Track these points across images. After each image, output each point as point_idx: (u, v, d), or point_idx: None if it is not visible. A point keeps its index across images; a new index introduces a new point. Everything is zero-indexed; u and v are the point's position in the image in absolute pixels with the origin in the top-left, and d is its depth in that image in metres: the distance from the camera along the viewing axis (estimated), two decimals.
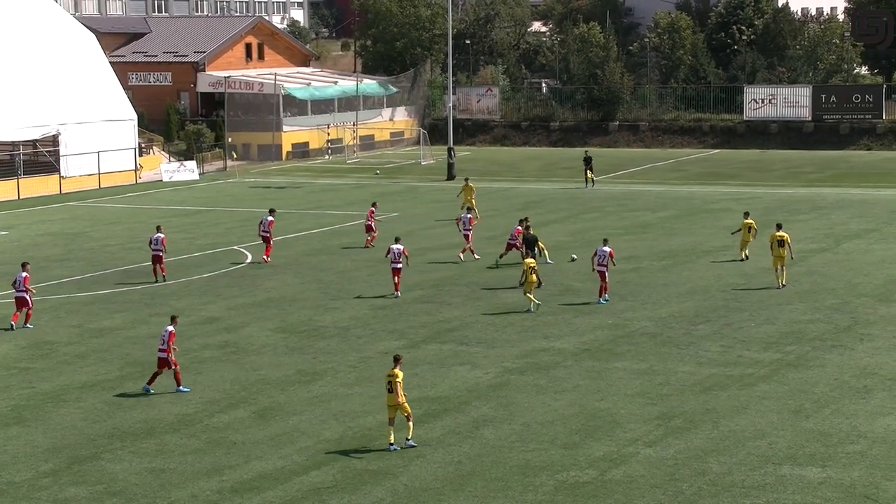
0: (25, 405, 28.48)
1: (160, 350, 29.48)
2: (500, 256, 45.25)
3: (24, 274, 36.61)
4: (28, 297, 36.20)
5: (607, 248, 38.61)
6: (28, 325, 36.19)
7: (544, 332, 34.81)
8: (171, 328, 29.58)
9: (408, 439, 25.35)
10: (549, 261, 45.03)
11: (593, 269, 38.74)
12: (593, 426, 26.41)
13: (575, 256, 45.04)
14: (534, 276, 37.53)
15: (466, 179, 59.10)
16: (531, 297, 37.48)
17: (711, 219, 55.55)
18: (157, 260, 43.23)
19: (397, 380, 25.13)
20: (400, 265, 40.23)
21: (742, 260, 44.61)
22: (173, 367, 29.47)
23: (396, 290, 40.08)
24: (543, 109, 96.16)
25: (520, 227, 44.56)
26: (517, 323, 36.06)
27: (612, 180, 71.53)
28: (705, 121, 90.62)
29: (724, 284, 40.70)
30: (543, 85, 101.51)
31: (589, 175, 67.75)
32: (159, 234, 43.47)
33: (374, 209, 50.60)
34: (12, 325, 36.07)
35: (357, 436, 26.05)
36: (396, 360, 25.77)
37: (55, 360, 32.55)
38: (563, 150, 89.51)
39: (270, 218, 46.97)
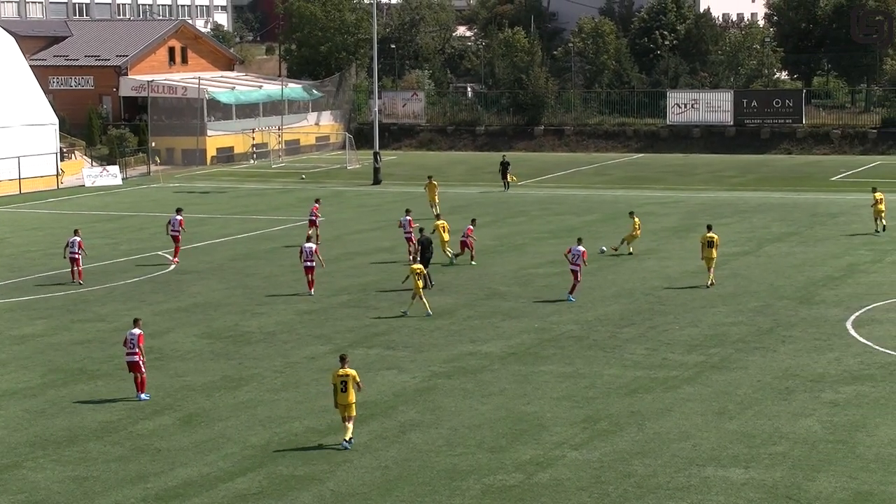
0: None
1: (129, 354, 28.91)
2: (456, 256, 45.53)
3: None
4: None
5: (581, 248, 39.28)
6: None
7: (471, 336, 34.90)
8: (137, 331, 29.18)
9: (348, 440, 25.39)
10: (472, 263, 45.30)
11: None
12: (520, 430, 26.52)
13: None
14: (420, 282, 37.43)
15: (430, 177, 59.60)
16: (425, 301, 37.27)
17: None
18: (74, 262, 43.14)
19: (357, 379, 25.44)
20: (313, 264, 40.55)
21: (630, 253, 46.67)
22: (140, 374, 29.01)
23: (310, 288, 40.49)
24: (469, 114, 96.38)
25: (471, 227, 45.71)
26: (444, 327, 36.12)
27: (538, 184, 71.88)
28: (629, 125, 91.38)
29: (649, 287, 41.07)
30: (469, 89, 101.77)
31: (509, 178, 68.63)
32: (76, 238, 43.46)
33: (318, 205, 51.03)
34: None
35: (283, 441, 25.95)
36: (343, 359, 25.83)
37: None
38: (489, 155, 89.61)
39: (180, 217, 47.30)
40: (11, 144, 71.60)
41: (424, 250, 41.72)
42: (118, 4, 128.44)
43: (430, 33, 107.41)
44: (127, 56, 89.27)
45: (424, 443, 25.77)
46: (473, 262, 45.82)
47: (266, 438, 26.14)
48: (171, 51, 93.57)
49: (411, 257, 43.44)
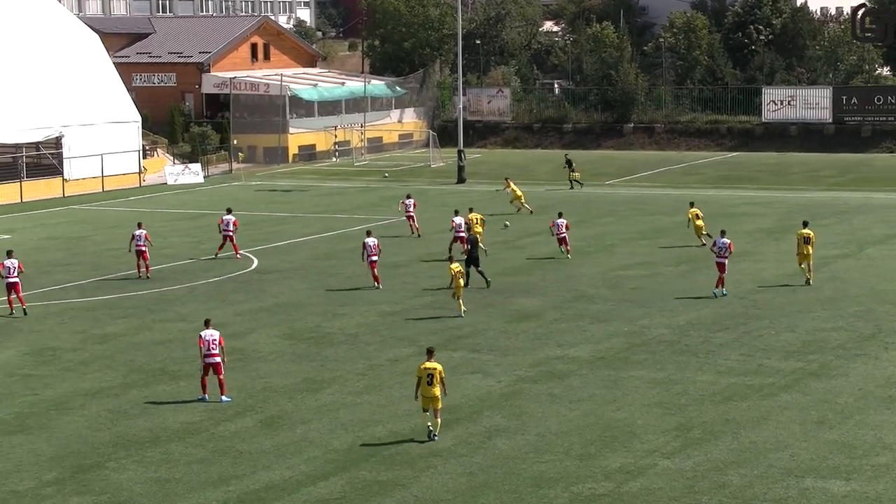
0: (29, 413, 28.43)
1: (210, 355, 29.00)
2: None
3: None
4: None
5: (726, 240, 40.27)
6: None
7: (558, 340, 34.70)
8: (217, 332, 29.36)
9: (436, 434, 26.00)
10: (567, 256, 46.74)
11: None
12: (609, 437, 26.28)
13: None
14: (461, 281, 37.60)
15: (507, 179, 60.79)
16: (461, 302, 37.48)
17: (729, 223, 55.18)
18: (140, 255, 44.15)
19: (443, 375, 26.07)
20: (376, 258, 41.54)
21: (701, 245, 47.63)
22: (221, 375, 29.21)
23: (377, 282, 41.56)
24: (556, 111, 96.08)
25: (566, 221, 47.48)
26: (530, 330, 35.95)
27: (627, 184, 71.41)
28: (722, 123, 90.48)
29: (743, 291, 40.55)
30: (556, 86, 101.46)
31: (573, 176, 68.68)
32: (141, 231, 44.48)
33: (410, 201, 53.34)
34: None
35: (366, 445, 25.96)
36: (431, 352, 26.42)
37: (58, 367, 32.51)
38: (577, 153, 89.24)
39: (233, 217, 48.24)
40: (95, 142, 72.60)
41: (473, 248, 42.18)
42: (201, 1, 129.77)
43: (516, 28, 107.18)
44: (209, 53, 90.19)
45: (510, 449, 25.63)
46: (569, 256, 46.90)
47: (349, 442, 26.17)
48: (254, 47, 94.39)
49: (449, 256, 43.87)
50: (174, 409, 28.67)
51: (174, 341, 35.18)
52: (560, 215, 48.49)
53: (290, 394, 29.84)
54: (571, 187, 68.62)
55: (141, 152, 76.79)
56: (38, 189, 69.67)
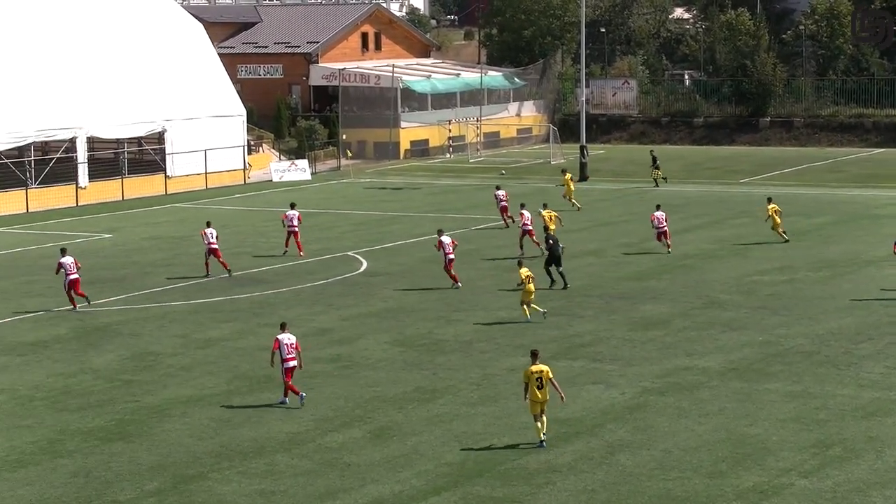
0: (130, 420, 29.08)
1: (290, 359, 29.75)
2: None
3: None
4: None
5: (662, 213, 46.78)
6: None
7: (687, 349, 34.52)
8: (294, 336, 30.12)
9: (542, 440, 26.49)
10: (668, 251, 47.97)
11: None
12: (742, 454, 26.09)
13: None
14: (531, 286, 37.69)
15: (564, 171, 62.31)
16: (535, 306, 37.85)
17: (874, 225, 54.55)
18: (213, 253, 45.64)
19: (550, 376, 26.52)
20: (452, 256, 42.75)
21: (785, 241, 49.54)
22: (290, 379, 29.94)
23: (456, 282, 42.74)
24: (686, 104, 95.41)
25: (666, 214, 48.94)
26: (657, 339, 35.81)
27: (763, 182, 70.67)
28: (868, 117, 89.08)
29: (890, 299, 39.92)
30: (686, 77, 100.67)
31: (658, 174, 69.01)
32: (211, 229, 46.08)
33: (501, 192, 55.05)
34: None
35: (480, 459, 26.08)
36: (535, 354, 26.94)
37: (160, 373, 33.18)
38: (709, 149, 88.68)
39: (297, 212, 49.75)
40: (198, 137, 73.77)
41: (554, 247, 42.66)
42: None
43: (644, 16, 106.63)
44: (318, 43, 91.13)
45: (635, 465, 25.58)
46: (669, 251, 48.40)
47: (462, 456, 26.33)
48: (364, 37, 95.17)
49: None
50: (279, 418, 29.09)
51: None
52: (658, 208, 49.42)
53: (400, 404, 30.10)
54: (656, 185, 68.65)
55: (246, 148, 77.86)
56: (140, 186, 71.00)
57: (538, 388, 26.47)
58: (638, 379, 31.73)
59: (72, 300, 40.80)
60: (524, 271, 38.07)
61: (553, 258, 42.55)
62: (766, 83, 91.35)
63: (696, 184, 69.52)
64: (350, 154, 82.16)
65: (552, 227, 47.20)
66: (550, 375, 26.68)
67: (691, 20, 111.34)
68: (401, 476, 25.23)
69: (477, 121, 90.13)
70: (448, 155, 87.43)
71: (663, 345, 35.14)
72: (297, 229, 49.38)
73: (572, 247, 50.91)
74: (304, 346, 35.21)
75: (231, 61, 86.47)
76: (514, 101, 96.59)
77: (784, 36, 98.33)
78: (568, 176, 62.25)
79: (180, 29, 77.72)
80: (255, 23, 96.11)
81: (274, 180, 76.09)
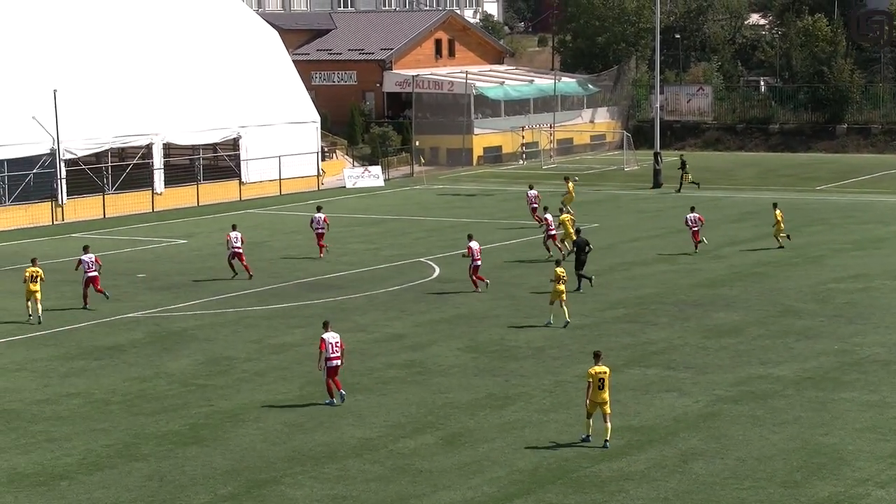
0: (204, 424, 29.31)
1: (335, 358, 30.26)
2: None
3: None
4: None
5: (695, 214, 48.36)
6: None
7: (761, 358, 34.25)
8: (337, 335, 30.63)
9: (607, 441, 26.80)
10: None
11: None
12: (817, 463, 25.84)
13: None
14: (562, 286, 38.15)
15: (566, 178, 62.36)
16: (564, 309, 38.24)
17: None
18: (237, 257, 46.54)
19: (609, 377, 27.16)
20: (479, 263, 43.56)
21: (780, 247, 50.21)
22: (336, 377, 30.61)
23: (481, 283, 43.64)
24: (761, 110, 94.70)
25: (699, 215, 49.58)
26: (731, 347, 35.56)
27: (839, 189, 69.99)
28: None
29: None
30: (762, 83, 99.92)
31: (686, 179, 69.55)
32: (237, 233, 46.73)
33: (321, 215, 52.54)
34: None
35: (552, 466, 26.03)
36: (598, 356, 27.47)
37: (234, 377, 33.42)
38: (784, 156, 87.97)
39: (323, 215, 51.31)
40: (272, 143, 74.24)
41: (580, 251, 43.43)
42: None
43: (720, 22, 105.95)
44: (392, 49, 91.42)
45: (708, 474, 25.41)
46: (696, 251, 50.20)
47: (534, 463, 26.29)
48: (438, 43, 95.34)
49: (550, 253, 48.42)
50: (351, 423, 29.19)
51: (352, 352, 35.73)
52: (692, 209, 50.40)
53: (472, 410, 30.11)
54: (679, 190, 69.23)
55: (319, 154, 78.26)
56: (215, 192, 71.58)
57: (599, 389, 27.03)
58: (711, 387, 31.53)
59: (85, 298, 42.08)
60: (559, 270, 38.65)
61: (578, 262, 43.43)
62: (843, 90, 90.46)
63: (771, 191, 68.95)
64: (423, 160, 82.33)
65: (569, 230, 48.95)
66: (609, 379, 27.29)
67: (767, 26, 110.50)
68: (472, 483, 25.23)
69: (550, 127, 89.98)
70: (521, 161, 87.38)
71: (737, 353, 34.89)
72: (323, 231, 50.93)
73: (644, 254, 50.74)
74: (377, 352, 35.50)
75: (305, 68, 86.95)
76: (587, 108, 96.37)
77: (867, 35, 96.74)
78: (571, 185, 61.71)
79: (256, 36, 78.30)
80: (330, 30, 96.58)
81: (347, 186, 76.38)
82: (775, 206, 52.43)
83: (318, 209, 52.41)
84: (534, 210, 56.68)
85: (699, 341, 36.26)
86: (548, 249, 49.62)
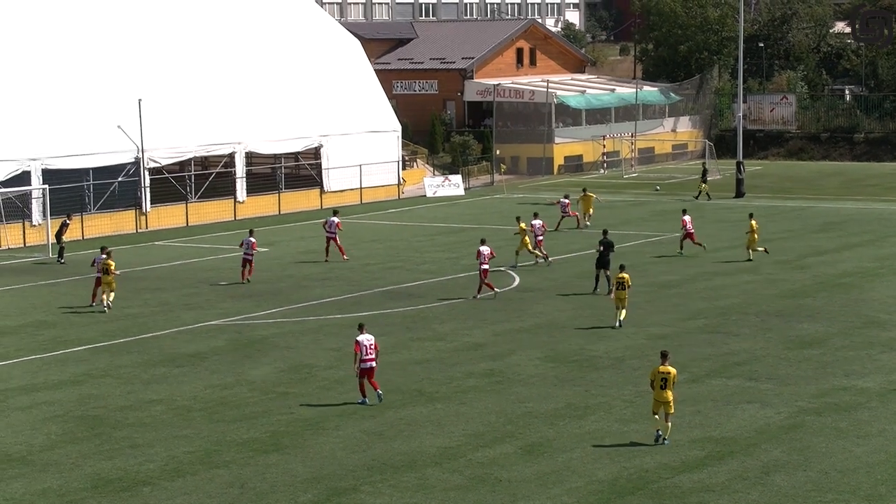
0: (284, 432, 29.49)
1: (369, 360, 31.06)
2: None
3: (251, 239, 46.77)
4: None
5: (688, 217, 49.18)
6: None
7: (845, 369, 33.87)
8: (372, 336, 31.36)
9: (665, 439, 27.67)
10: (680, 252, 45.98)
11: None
12: None
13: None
14: (623, 293, 39.27)
15: (584, 190, 62.43)
16: (622, 311, 39.37)
17: None
18: (247, 263, 48.33)
19: (675, 379, 27.85)
20: (486, 266, 44.19)
21: (749, 260, 49.84)
22: (373, 379, 31.34)
23: (485, 289, 44.18)
24: (846, 119, 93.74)
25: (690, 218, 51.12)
26: (814, 358, 35.20)
27: None
28: None
29: None
30: (847, 92, 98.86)
31: (704, 187, 70.79)
32: (251, 238, 48.82)
33: (566, 200, 55.60)
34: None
35: (633, 477, 25.90)
36: (665, 356, 28.09)
37: (314, 385, 33.60)
38: (870, 165, 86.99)
39: (338, 219, 53.50)
40: (353, 152, 74.62)
41: (606, 252, 44.44)
42: (465, 4, 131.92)
43: (804, 30, 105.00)
44: (473, 58, 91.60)
45: (790, 486, 25.16)
46: (681, 252, 51.97)
47: (614, 473, 26.17)
48: (519, 52, 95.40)
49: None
50: (431, 432, 29.23)
51: (431, 361, 35.89)
52: (684, 212, 52.38)
53: (551, 420, 30.04)
54: (697, 197, 70.16)
55: (400, 163, 78.52)
56: (297, 201, 72.08)
57: (661, 388, 27.65)
58: (794, 398, 31.22)
59: (94, 296, 44.15)
60: (623, 275, 39.61)
61: (602, 261, 44.51)
62: None
63: (856, 201, 68.19)
64: (503, 169, 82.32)
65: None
66: (676, 379, 27.97)
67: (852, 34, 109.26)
68: (552, 493, 25.18)
69: (632, 136, 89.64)
70: (602, 171, 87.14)
71: (820, 364, 34.53)
72: (335, 236, 52.78)
73: (726, 264, 50.37)
74: (456, 361, 35.54)
75: (387, 77, 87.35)
76: (669, 117, 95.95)
77: None
78: (591, 195, 62.00)
79: (338, 45, 78.77)
80: (411, 39, 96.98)
81: (428, 195, 76.57)
82: (751, 216, 52.11)
83: (335, 213, 54.48)
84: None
85: (782, 352, 35.93)
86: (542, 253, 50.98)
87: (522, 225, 51.37)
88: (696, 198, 70.75)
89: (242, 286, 47.67)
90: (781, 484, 25.30)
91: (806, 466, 26.25)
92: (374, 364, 31.20)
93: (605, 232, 46.40)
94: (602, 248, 44.90)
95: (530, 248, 50.59)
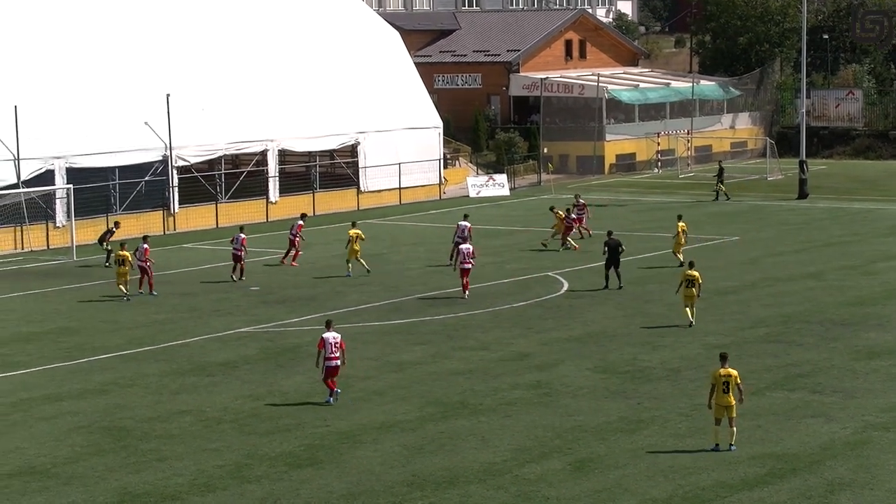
0: (319, 445, 29.58)
1: (333, 358, 32.41)
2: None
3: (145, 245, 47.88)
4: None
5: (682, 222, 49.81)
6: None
7: None
8: (338, 335, 32.77)
9: (732, 445, 27.99)
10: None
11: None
12: None
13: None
14: (693, 290, 40.13)
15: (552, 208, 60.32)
16: (693, 310, 40.39)
17: None
18: (236, 259, 50.22)
19: (738, 381, 28.03)
20: (469, 266, 45.91)
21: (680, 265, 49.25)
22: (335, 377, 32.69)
23: (464, 291, 45.75)
24: None
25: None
26: (882, 369, 35.02)
27: None
28: None
29: None
30: None
31: (720, 188, 71.68)
32: (241, 234, 50.65)
33: (302, 223, 55.44)
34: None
35: (688, 495, 25.85)
36: (724, 358, 28.42)
37: (351, 396, 33.67)
38: None
39: (302, 221, 54.66)
40: (392, 150, 74.70)
41: (613, 252, 46.56)
42: None
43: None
44: (519, 51, 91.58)
45: None
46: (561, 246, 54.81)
47: (668, 491, 26.13)
48: (568, 44, 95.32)
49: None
50: (475, 446, 29.25)
51: (475, 371, 35.91)
52: (679, 218, 52.30)
53: (602, 434, 30.02)
54: (717, 198, 71.08)
55: (442, 161, 78.56)
56: (332, 201, 72.25)
57: (724, 392, 27.85)
58: (861, 412, 31.08)
59: (140, 284, 47.45)
60: (692, 272, 40.34)
61: (612, 260, 46.57)
62: None
63: (712, 195, 68.47)
64: (551, 168, 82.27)
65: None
66: (739, 381, 28.13)
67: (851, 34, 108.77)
68: None
69: (688, 133, 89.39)
70: (656, 170, 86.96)
71: (889, 376, 34.36)
72: (297, 238, 53.91)
73: (789, 269, 50.17)
74: (501, 371, 35.55)
75: (428, 70, 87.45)
76: (727, 113, 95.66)
77: None
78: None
79: (376, 37, 78.92)
80: (454, 30, 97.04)
81: (471, 196, 76.58)
82: (680, 217, 52.52)
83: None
84: (580, 219, 58.49)
85: (848, 363, 35.76)
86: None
87: (561, 213, 55.34)
88: (716, 199, 71.09)
89: (273, 292, 47.85)
90: None
91: (873, 485, 26.14)
92: (338, 363, 32.57)
93: (609, 233, 47.83)
94: (607, 248, 46.86)
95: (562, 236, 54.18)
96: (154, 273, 48.27)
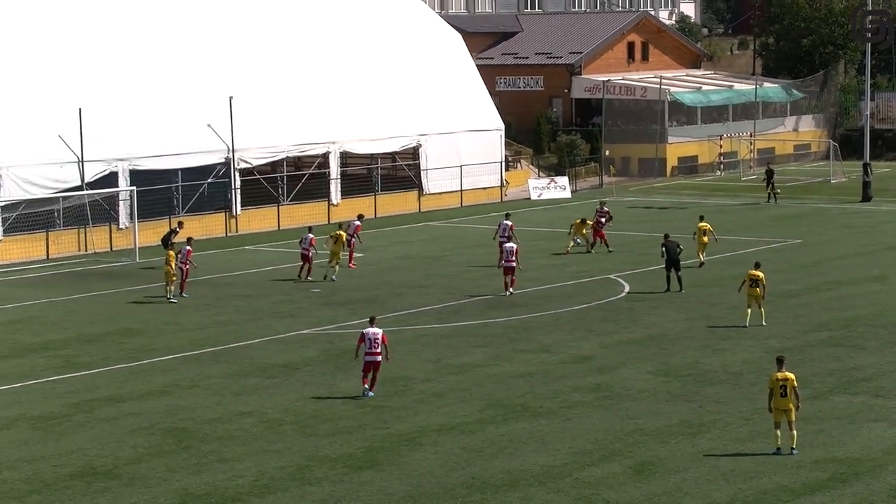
0: (379, 447, 29.63)
1: (372, 353, 33.12)
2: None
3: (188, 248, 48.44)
4: None
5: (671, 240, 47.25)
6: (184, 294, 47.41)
7: None
8: (380, 330, 33.40)
9: (793, 448, 27.89)
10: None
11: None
12: None
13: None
14: (758, 290, 40.26)
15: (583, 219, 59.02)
16: (761, 311, 40.53)
17: None
18: (305, 259, 50.58)
19: (795, 385, 28.13)
20: (514, 264, 46.64)
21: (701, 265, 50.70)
22: (377, 372, 33.40)
23: (506, 289, 46.69)
24: None
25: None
26: None
27: None
28: None
29: None
30: None
31: (775, 191, 71.57)
32: (309, 235, 51.07)
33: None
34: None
35: (750, 500, 25.69)
36: (781, 361, 28.48)
37: (411, 399, 33.72)
38: None
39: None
40: (453, 152, 74.68)
41: (671, 253, 46.54)
42: None
43: None
44: (581, 53, 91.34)
45: None
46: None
47: (730, 495, 25.97)
48: (631, 46, 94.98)
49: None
50: (534, 449, 29.20)
51: (535, 374, 35.86)
52: (702, 219, 52.56)
53: (663, 437, 29.88)
54: (768, 200, 71.05)
55: (503, 163, 78.51)
56: (393, 203, 72.37)
57: (782, 396, 27.91)
58: None
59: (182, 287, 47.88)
60: (756, 272, 40.56)
61: (672, 262, 46.55)
62: None
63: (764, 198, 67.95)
64: (613, 171, 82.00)
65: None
66: (796, 384, 28.17)
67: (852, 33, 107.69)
68: None
69: (750, 136, 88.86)
70: (718, 172, 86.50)
71: None
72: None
73: (853, 272, 49.77)
74: (562, 374, 35.48)
75: (489, 73, 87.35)
76: (791, 115, 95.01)
77: None
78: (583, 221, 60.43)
79: (438, 39, 78.96)
80: (516, 32, 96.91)
81: (532, 198, 76.48)
82: (702, 218, 53.00)
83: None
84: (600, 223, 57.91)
85: None
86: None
87: (589, 221, 56.41)
88: (767, 201, 71.11)
89: (335, 294, 47.98)
90: None
91: None
92: (378, 359, 33.19)
93: (666, 236, 47.88)
94: (665, 251, 46.85)
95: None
96: (216, 275, 48.51)
